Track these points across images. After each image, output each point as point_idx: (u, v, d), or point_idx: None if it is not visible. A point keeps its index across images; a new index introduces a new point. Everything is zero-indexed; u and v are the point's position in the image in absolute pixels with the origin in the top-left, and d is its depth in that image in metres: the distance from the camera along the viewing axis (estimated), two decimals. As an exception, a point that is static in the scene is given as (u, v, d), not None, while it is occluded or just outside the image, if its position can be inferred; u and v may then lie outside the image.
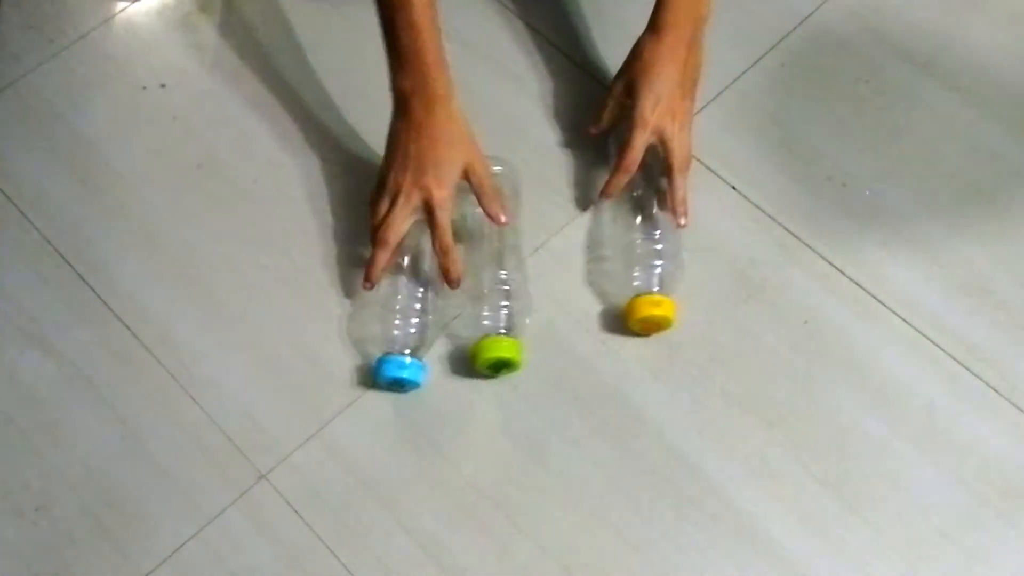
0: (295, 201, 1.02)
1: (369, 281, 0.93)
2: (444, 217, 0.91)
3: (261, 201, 1.02)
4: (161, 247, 1.00)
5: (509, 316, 0.93)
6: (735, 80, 1.08)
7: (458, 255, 0.92)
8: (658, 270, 0.94)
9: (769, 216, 1.01)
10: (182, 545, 0.87)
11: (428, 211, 0.91)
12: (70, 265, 0.98)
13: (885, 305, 0.96)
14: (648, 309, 0.92)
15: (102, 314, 0.96)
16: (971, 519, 0.88)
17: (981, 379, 0.93)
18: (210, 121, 1.06)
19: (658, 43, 0.96)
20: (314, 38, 1.11)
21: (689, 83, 0.98)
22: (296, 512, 0.88)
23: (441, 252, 0.91)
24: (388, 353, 0.91)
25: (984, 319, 0.96)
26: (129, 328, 0.96)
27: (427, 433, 0.91)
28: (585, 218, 1.01)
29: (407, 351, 0.91)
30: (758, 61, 1.09)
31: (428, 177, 0.91)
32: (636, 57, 0.97)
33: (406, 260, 0.95)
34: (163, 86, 1.08)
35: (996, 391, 0.93)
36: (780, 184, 1.02)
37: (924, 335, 0.95)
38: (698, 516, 0.88)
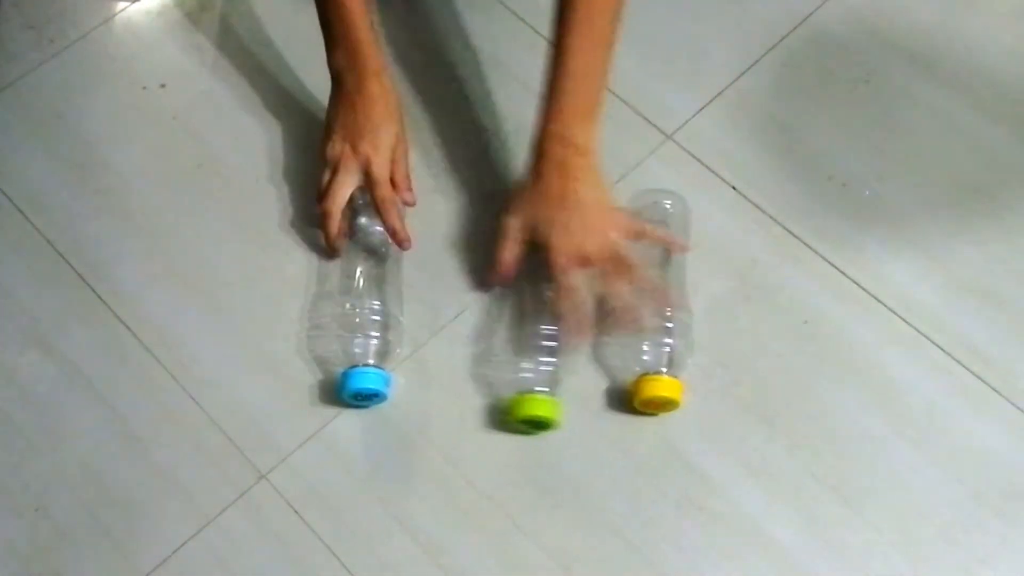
0: (295, 201, 1.02)
1: (331, 251, 0.96)
2: (382, 174, 0.93)
3: (261, 201, 1.02)
4: (161, 247, 1.00)
5: (554, 373, 0.91)
6: (735, 80, 1.08)
7: (400, 212, 0.94)
8: (667, 349, 0.91)
9: (769, 216, 1.01)
10: (182, 545, 0.87)
11: (366, 173, 0.93)
12: (70, 265, 0.98)
13: (885, 305, 0.96)
14: (655, 390, 0.89)
15: (102, 314, 0.96)
16: (971, 519, 0.88)
17: (981, 379, 0.93)
18: (210, 121, 1.06)
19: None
20: (314, 38, 1.10)
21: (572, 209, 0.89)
22: (296, 512, 0.88)
23: (380, 205, 0.93)
24: (352, 366, 0.90)
25: (984, 319, 0.96)
26: (129, 328, 0.96)
27: (427, 433, 0.91)
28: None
29: (369, 362, 0.91)
30: (758, 61, 1.09)
31: (364, 143, 0.93)
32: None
33: (359, 274, 0.95)
34: (163, 86, 1.08)
35: (996, 391, 0.92)
36: (780, 184, 1.02)
37: (924, 335, 0.95)
38: (698, 516, 0.88)
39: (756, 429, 0.91)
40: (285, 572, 0.86)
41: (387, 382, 0.91)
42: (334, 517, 0.88)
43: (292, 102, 1.07)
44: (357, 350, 0.91)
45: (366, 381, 0.89)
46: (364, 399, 0.91)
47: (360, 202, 0.96)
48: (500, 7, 1.12)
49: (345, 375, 0.90)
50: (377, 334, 0.92)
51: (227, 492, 0.89)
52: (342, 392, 0.90)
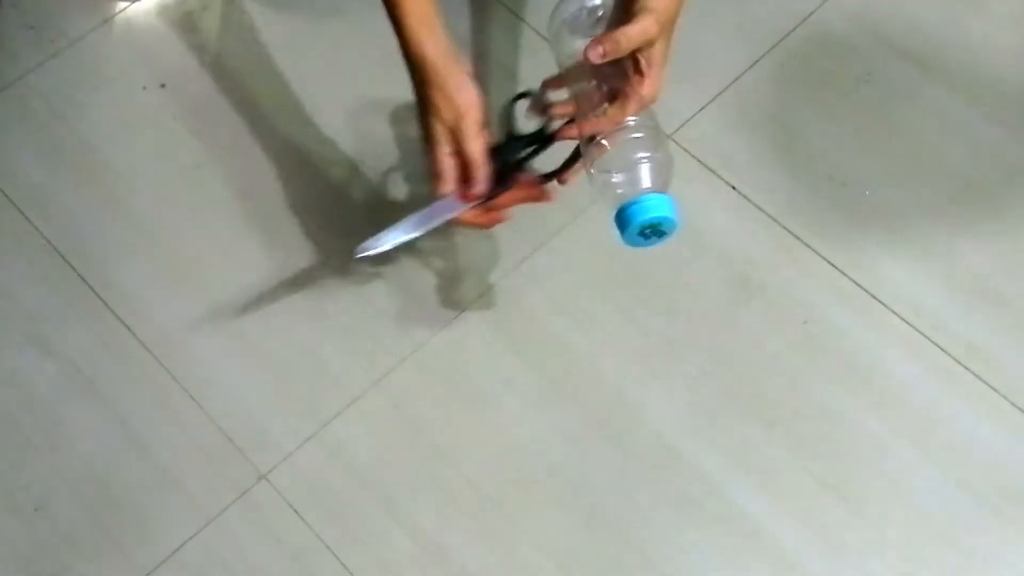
0: (295, 201, 1.02)
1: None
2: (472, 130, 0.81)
3: (261, 201, 1.02)
4: (161, 247, 1.00)
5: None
6: (735, 80, 1.08)
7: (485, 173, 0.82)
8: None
9: (769, 216, 1.01)
10: (182, 545, 0.87)
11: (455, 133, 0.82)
12: (70, 265, 0.99)
13: (885, 305, 0.96)
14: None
15: (102, 314, 0.96)
16: (971, 519, 0.88)
17: (981, 379, 0.93)
18: (210, 121, 1.06)
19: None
20: (314, 39, 1.11)
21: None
22: (296, 512, 0.88)
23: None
24: (631, 198, 0.74)
25: (984, 319, 0.96)
26: (129, 328, 0.96)
27: (427, 433, 0.92)
28: (585, 218, 1.01)
29: (649, 189, 0.75)
30: (758, 61, 1.09)
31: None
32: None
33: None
34: (163, 86, 1.08)
35: (996, 391, 0.93)
36: (780, 184, 1.02)
37: (924, 335, 0.95)
38: (698, 516, 0.88)
39: (756, 429, 0.91)
40: (285, 572, 0.86)
41: (672, 206, 0.75)
42: (334, 517, 0.88)
43: (292, 102, 1.07)
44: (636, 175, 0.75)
45: (659, 209, 0.74)
46: (655, 234, 0.76)
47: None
48: (500, 7, 1.12)
49: (628, 210, 0.74)
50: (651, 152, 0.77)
51: (227, 492, 0.89)
52: (628, 231, 0.75)
